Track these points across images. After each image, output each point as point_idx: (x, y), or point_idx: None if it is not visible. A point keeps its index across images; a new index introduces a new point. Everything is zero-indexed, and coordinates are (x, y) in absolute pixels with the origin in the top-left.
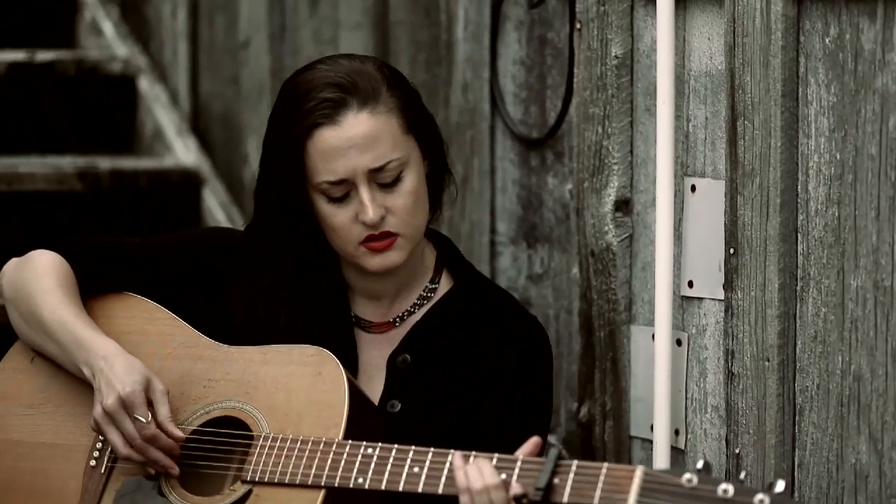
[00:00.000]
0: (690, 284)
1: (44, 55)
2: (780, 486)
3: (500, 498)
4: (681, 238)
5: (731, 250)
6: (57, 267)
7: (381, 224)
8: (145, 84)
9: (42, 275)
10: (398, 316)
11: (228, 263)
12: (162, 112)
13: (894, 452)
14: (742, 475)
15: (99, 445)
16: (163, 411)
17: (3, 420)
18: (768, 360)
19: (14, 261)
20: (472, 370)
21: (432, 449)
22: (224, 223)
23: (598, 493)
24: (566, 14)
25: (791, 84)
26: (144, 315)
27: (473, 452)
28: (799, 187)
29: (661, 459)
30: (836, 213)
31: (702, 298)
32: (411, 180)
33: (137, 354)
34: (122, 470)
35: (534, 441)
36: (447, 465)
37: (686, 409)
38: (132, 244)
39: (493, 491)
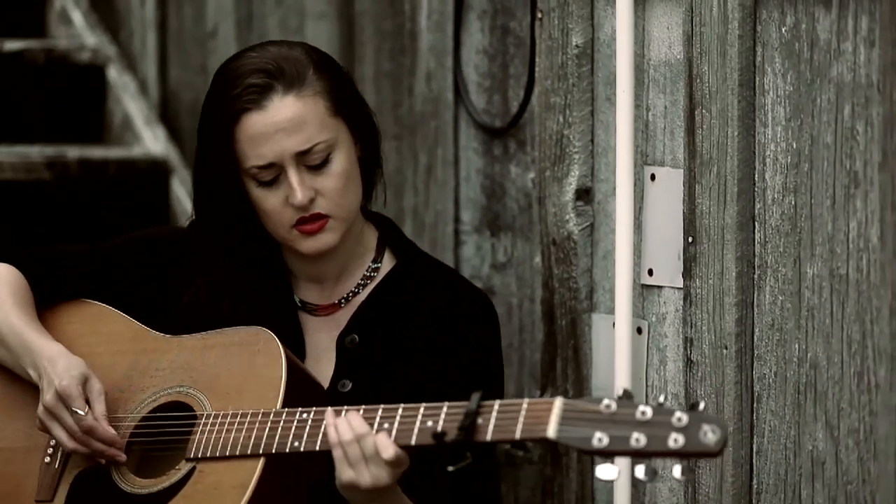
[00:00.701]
0: (650, 273)
1: (12, 44)
2: (701, 406)
3: (370, 446)
4: (641, 227)
5: (690, 239)
6: (10, 279)
7: (311, 206)
8: (114, 73)
9: None
10: (343, 297)
11: (172, 259)
12: (131, 101)
13: (850, 439)
14: (661, 398)
15: (52, 443)
16: (98, 409)
17: None
18: (726, 348)
19: None
20: (421, 344)
21: (363, 406)
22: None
23: (519, 427)
24: (528, 3)
25: (748, 73)
26: (96, 317)
27: (345, 407)
28: (756, 176)
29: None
30: (793, 202)
31: (661, 287)
32: (340, 162)
33: (90, 355)
34: (75, 463)
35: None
36: (377, 419)
37: (646, 396)
38: (83, 252)
39: (362, 440)
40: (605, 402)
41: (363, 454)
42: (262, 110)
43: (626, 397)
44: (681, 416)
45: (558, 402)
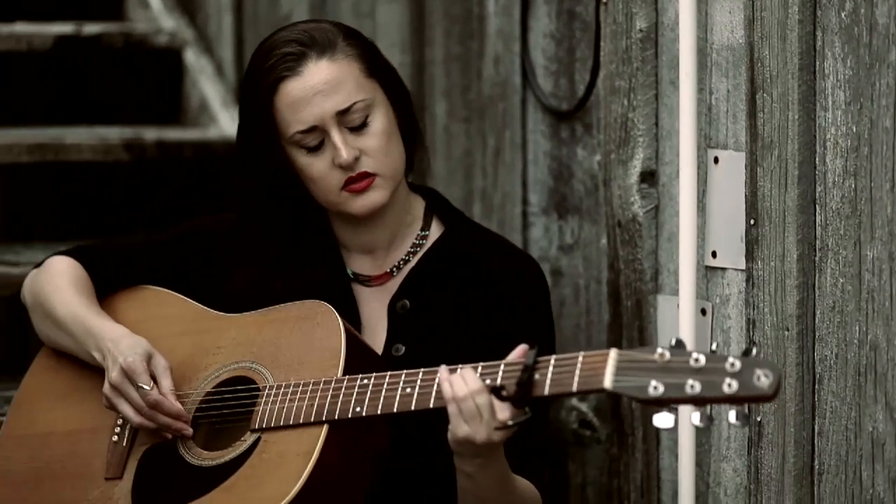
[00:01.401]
0: (714, 255)
1: (91, 28)
2: (753, 352)
3: (485, 402)
4: (704, 209)
5: (752, 221)
6: (70, 270)
7: (357, 165)
8: (191, 56)
9: (56, 276)
10: (394, 266)
11: (225, 246)
12: (208, 84)
13: None
14: (714, 346)
15: (119, 422)
16: (165, 384)
17: (36, 416)
18: (788, 330)
19: (33, 271)
20: (471, 308)
21: (422, 370)
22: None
23: (576, 380)
24: None
25: (808, 58)
26: (156, 301)
27: (459, 366)
28: (816, 159)
29: (687, 427)
30: (853, 185)
31: (725, 268)
32: (380, 121)
33: (152, 338)
34: (142, 440)
35: (520, 348)
36: (436, 380)
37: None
38: (139, 242)
39: (477, 396)
40: (659, 350)
41: (478, 409)
42: (298, 76)
43: (680, 346)
44: (734, 362)
45: (613, 353)
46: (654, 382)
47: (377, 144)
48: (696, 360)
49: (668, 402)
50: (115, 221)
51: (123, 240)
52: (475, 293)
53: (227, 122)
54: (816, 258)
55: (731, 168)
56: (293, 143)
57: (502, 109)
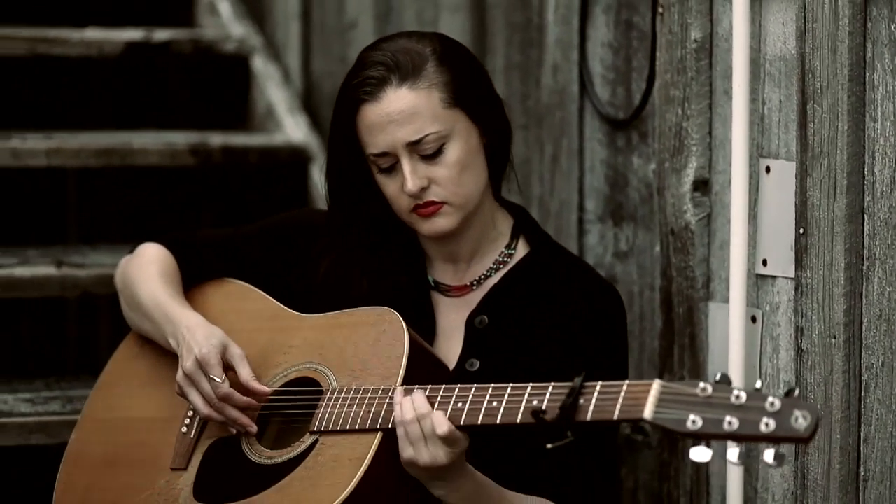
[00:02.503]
0: (765, 263)
1: (161, 34)
2: (796, 392)
3: (428, 425)
4: (756, 218)
5: (801, 230)
6: (160, 257)
7: (424, 194)
8: (259, 63)
9: (145, 264)
10: (475, 280)
11: (310, 241)
12: (275, 90)
13: None
14: (757, 384)
15: (189, 414)
16: (244, 372)
17: (115, 401)
18: (835, 338)
19: (125, 257)
20: (549, 331)
21: (475, 385)
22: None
23: (618, 408)
24: None
25: (858, 69)
26: (239, 295)
27: (416, 386)
28: (865, 169)
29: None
30: None
31: (775, 277)
32: (455, 152)
33: (230, 331)
34: (209, 433)
35: None
36: (486, 397)
37: (760, 384)
38: (227, 234)
39: (422, 420)
40: (702, 385)
41: (422, 432)
42: (376, 101)
43: (724, 381)
44: (773, 401)
45: (656, 385)
46: (692, 416)
47: (448, 175)
48: (738, 396)
49: (705, 437)
50: (180, 226)
51: (214, 231)
52: (554, 316)
53: (292, 128)
54: (864, 267)
55: (782, 177)
56: (371, 162)
57: (560, 117)
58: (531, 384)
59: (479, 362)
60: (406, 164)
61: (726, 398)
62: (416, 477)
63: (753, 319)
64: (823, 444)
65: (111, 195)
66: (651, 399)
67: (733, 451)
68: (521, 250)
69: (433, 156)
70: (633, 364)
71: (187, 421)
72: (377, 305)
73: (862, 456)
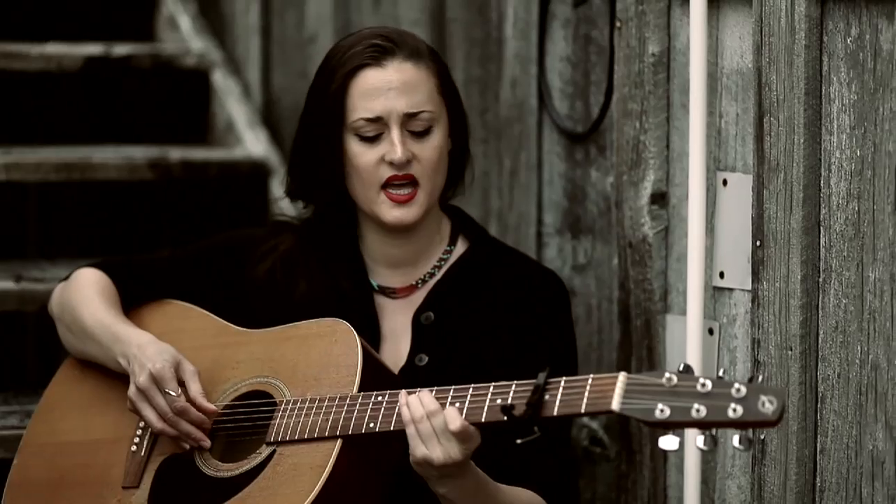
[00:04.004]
0: (722, 275)
1: (120, 49)
2: (759, 379)
3: (440, 423)
4: (713, 230)
5: (758, 243)
6: (98, 281)
7: (407, 167)
8: (219, 77)
9: (83, 287)
10: (419, 279)
11: (248, 259)
12: (234, 105)
13: None
14: (720, 372)
15: (139, 433)
16: (194, 388)
17: (57, 425)
18: (791, 350)
19: (61, 283)
20: (494, 321)
21: (435, 388)
22: (290, 213)
23: (584, 401)
24: (609, 12)
25: (814, 82)
26: (179, 315)
27: (418, 388)
28: (821, 182)
29: (693, 445)
30: (856, 208)
31: (732, 289)
32: (439, 136)
33: (176, 349)
34: (160, 450)
35: None
36: (448, 398)
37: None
38: (163, 256)
39: (432, 418)
40: (667, 375)
41: (434, 430)
42: (380, 67)
43: (687, 371)
44: (739, 387)
45: (622, 377)
46: (660, 405)
47: (430, 156)
48: (703, 384)
49: (673, 426)
50: (140, 240)
51: (149, 254)
52: (498, 306)
53: (252, 143)
54: (820, 279)
55: (739, 190)
56: (352, 130)
57: (519, 131)
58: (493, 384)
59: (427, 357)
60: (396, 134)
61: (692, 386)
62: (426, 477)
63: (711, 332)
64: (780, 456)
65: (71, 210)
66: (618, 391)
67: (700, 438)
68: (461, 247)
69: (421, 134)
70: None
71: (137, 439)
72: (318, 310)
73: (818, 467)
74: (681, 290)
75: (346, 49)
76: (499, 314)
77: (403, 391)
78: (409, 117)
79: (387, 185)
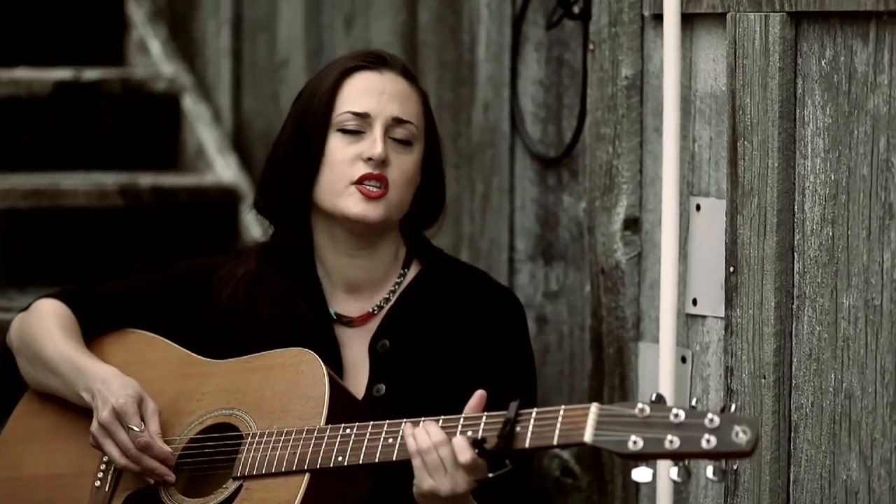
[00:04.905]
0: (695, 302)
1: (90, 73)
2: (732, 408)
3: (447, 454)
4: (686, 256)
5: (731, 269)
6: (58, 312)
7: (382, 167)
8: (189, 102)
9: (43, 319)
10: (375, 306)
11: (212, 286)
12: (205, 130)
13: (882, 469)
14: (693, 402)
15: (102, 468)
16: (152, 427)
17: (18, 460)
18: (764, 378)
19: (19, 314)
20: (451, 344)
21: (405, 420)
22: (261, 239)
23: (556, 433)
24: (582, 35)
25: (788, 105)
26: (142, 345)
27: (422, 419)
28: (795, 207)
29: (666, 476)
30: (831, 233)
31: (705, 316)
32: (416, 155)
33: (139, 381)
34: (125, 486)
35: (478, 394)
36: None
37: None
38: (123, 285)
39: (440, 448)
40: (640, 406)
41: (441, 461)
42: (377, 72)
43: (660, 401)
44: (713, 418)
45: (594, 408)
46: (633, 437)
47: (406, 168)
48: (676, 415)
49: (647, 457)
50: (110, 267)
51: (111, 283)
52: (453, 328)
53: (222, 168)
54: (794, 306)
55: (712, 215)
56: (336, 125)
57: (491, 156)
58: (463, 415)
59: (384, 386)
60: (379, 132)
61: (665, 417)
62: None
63: (683, 360)
64: (752, 486)
65: (40, 237)
66: (590, 422)
67: (673, 470)
68: (414, 271)
69: (402, 143)
70: (564, 404)
71: (100, 475)
72: (281, 336)
73: (791, 498)
74: (653, 318)
75: (343, 58)
76: (455, 337)
77: (407, 422)
78: (395, 122)
79: (359, 181)
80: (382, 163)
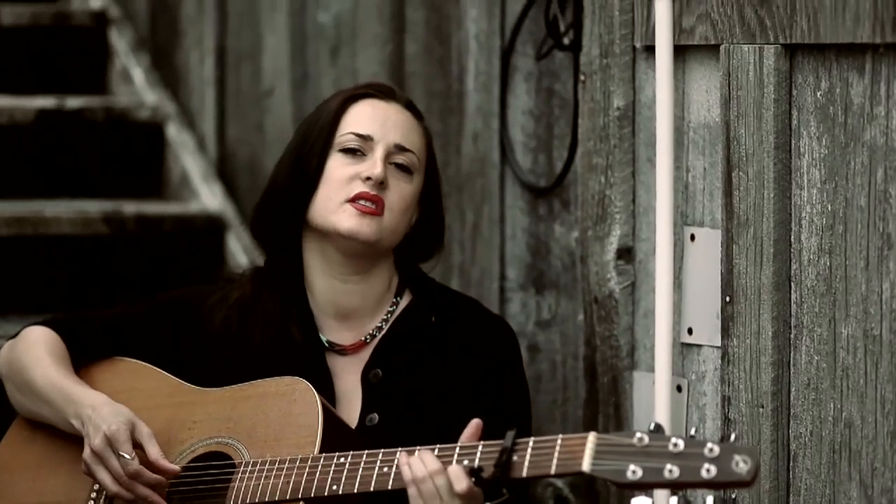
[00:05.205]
0: (690, 331)
1: (73, 102)
2: (731, 438)
3: (443, 483)
4: (681, 286)
5: (727, 298)
6: (47, 339)
7: (380, 189)
8: (173, 130)
9: (33, 346)
10: (368, 334)
11: (203, 315)
12: (189, 158)
13: (884, 499)
14: (693, 431)
15: (93, 495)
16: (152, 451)
17: (7, 489)
18: (762, 407)
19: (9, 342)
20: (443, 372)
21: (400, 449)
22: (254, 264)
23: (554, 462)
24: (572, 66)
25: (784, 136)
26: (132, 374)
27: (417, 447)
28: (792, 237)
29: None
30: (828, 263)
31: (701, 345)
32: (415, 185)
33: (129, 409)
34: None
35: (474, 423)
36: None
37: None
38: (114, 313)
39: (435, 477)
40: (638, 435)
41: (437, 490)
42: (384, 101)
43: (658, 430)
44: (712, 447)
45: (592, 437)
46: (632, 467)
47: (404, 195)
48: (675, 444)
49: (646, 487)
50: (95, 295)
51: (100, 310)
52: (447, 358)
53: (207, 197)
54: (791, 335)
55: (707, 245)
56: (337, 146)
57: (481, 185)
58: (459, 444)
59: (378, 416)
60: (380, 154)
61: (664, 446)
62: None
63: (679, 389)
64: None
65: (23, 265)
66: (588, 451)
67: (673, 499)
68: (406, 300)
69: (402, 170)
70: (557, 433)
71: (91, 503)
72: (273, 363)
73: None
74: (648, 347)
75: (351, 89)
76: (448, 366)
77: (402, 451)
78: (398, 149)
79: (354, 199)
80: (381, 185)
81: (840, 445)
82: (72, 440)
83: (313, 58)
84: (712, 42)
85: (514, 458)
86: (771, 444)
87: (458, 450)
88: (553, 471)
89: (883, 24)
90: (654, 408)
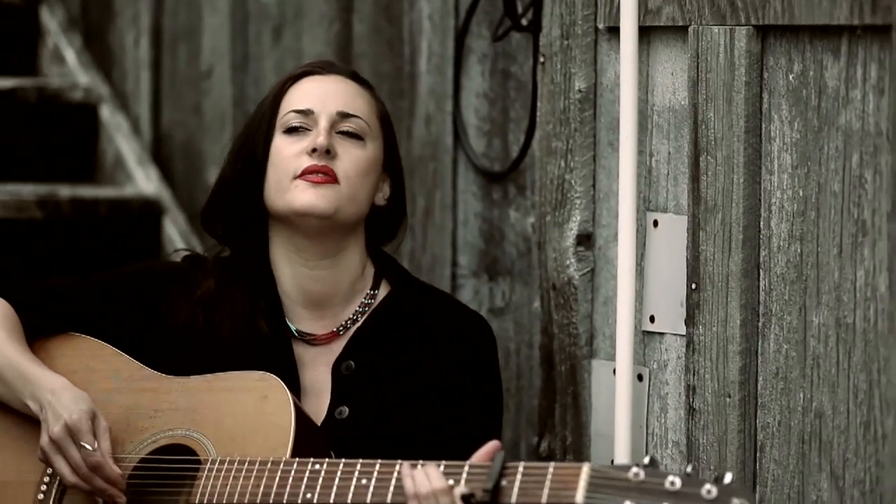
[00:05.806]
0: (652, 319)
1: (3, 82)
2: (728, 478)
3: (447, 502)
4: (643, 273)
5: (693, 286)
6: (0, 311)
7: (327, 158)
8: (107, 112)
9: None
10: (341, 325)
11: (164, 291)
12: (123, 141)
13: (856, 490)
14: (689, 468)
15: (46, 479)
16: (104, 446)
17: None
18: (729, 397)
19: None
20: (417, 368)
21: (379, 461)
22: (184, 248)
23: (545, 492)
24: (530, 47)
25: (754, 120)
26: (89, 353)
27: (421, 461)
28: (761, 223)
29: None
30: (799, 250)
31: (663, 333)
32: (369, 154)
33: (85, 390)
34: (70, 500)
35: (490, 445)
36: (395, 474)
37: (647, 444)
38: (73, 284)
39: (440, 496)
40: (634, 470)
41: None
42: (322, 75)
43: (653, 465)
44: (710, 489)
45: (585, 468)
46: (627, 502)
47: (357, 159)
48: (672, 482)
49: None
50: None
51: (57, 280)
52: (422, 353)
53: (143, 181)
54: (760, 324)
55: (671, 231)
56: (280, 127)
57: (433, 169)
58: (444, 462)
59: (347, 409)
60: (324, 124)
61: (660, 484)
62: None
63: (640, 377)
64: None
65: None
66: (582, 483)
67: None
68: (383, 291)
69: (351, 136)
70: (511, 423)
71: (44, 487)
72: (240, 356)
73: None
74: (607, 335)
75: (293, 70)
76: (423, 361)
77: (406, 462)
78: (341, 116)
79: (303, 174)
80: (327, 154)
81: (810, 436)
82: (21, 418)
83: (255, 38)
84: (680, 23)
85: (503, 482)
86: (738, 434)
87: (442, 467)
88: (544, 500)
89: (861, 4)
90: (614, 397)
